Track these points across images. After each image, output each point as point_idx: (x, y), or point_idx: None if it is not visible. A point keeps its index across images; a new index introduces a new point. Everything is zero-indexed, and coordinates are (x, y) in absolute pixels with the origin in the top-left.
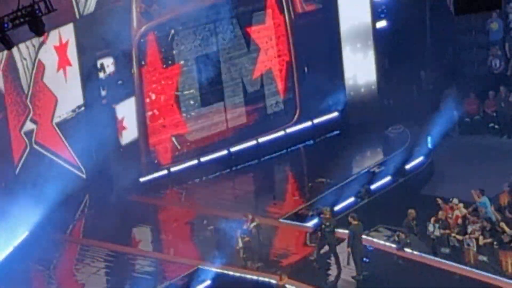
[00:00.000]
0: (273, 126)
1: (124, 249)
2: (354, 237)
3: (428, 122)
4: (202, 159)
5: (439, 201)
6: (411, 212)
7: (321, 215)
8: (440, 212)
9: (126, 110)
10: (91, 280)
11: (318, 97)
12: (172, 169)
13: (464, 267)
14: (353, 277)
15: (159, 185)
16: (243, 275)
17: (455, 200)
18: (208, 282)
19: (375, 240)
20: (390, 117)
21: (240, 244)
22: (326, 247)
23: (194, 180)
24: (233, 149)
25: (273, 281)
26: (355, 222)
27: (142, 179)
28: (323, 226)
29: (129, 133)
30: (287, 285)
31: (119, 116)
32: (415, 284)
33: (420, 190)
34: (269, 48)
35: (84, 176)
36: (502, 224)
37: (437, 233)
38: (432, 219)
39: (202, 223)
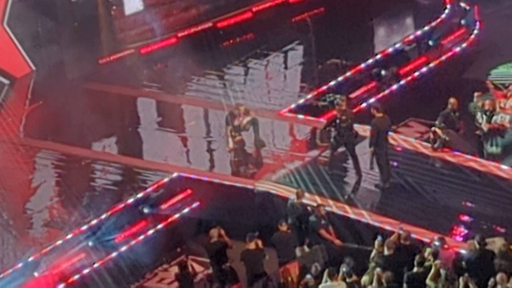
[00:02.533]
0: None
1: (81, 152)
2: (378, 134)
3: None
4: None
5: (489, 84)
6: (453, 101)
7: (335, 106)
8: (487, 101)
9: None
10: (41, 189)
11: None
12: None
13: None
14: (377, 186)
15: (124, 68)
16: (233, 183)
17: None
18: (189, 193)
19: (405, 137)
20: None
21: (231, 145)
22: (342, 148)
23: (170, 62)
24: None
25: (272, 191)
26: (380, 115)
27: (102, 61)
28: (337, 120)
29: None
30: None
31: None
32: (456, 194)
33: (463, 73)
34: None
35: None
36: None
37: (484, 127)
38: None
39: (182, 119)
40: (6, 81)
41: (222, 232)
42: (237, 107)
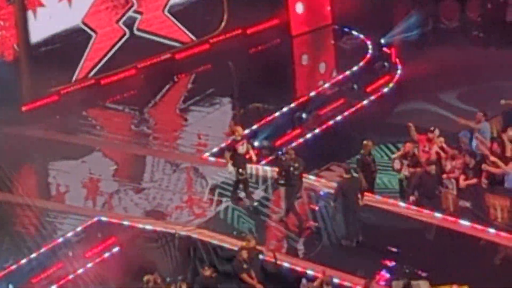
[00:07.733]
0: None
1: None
2: (344, 196)
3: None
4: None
5: (411, 127)
6: (367, 143)
7: (285, 155)
8: (408, 144)
9: None
10: None
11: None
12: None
13: (441, 215)
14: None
15: (48, 113)
16: (155, 228)
17: (437, 132)
18: (111, 239)
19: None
20: (343, 21)
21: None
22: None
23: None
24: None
25: (194, 236)
26: (347, 176)
27: (24, 108)
28: (291, 168)
29: None
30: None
31: None
32: (378, 238)
33: (385, 117)
34: None
35: None
36: (494, 159)
37: (405, 172)
38: (398, 153)
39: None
40: None
41: (159, 279)
42: (233, 129)
